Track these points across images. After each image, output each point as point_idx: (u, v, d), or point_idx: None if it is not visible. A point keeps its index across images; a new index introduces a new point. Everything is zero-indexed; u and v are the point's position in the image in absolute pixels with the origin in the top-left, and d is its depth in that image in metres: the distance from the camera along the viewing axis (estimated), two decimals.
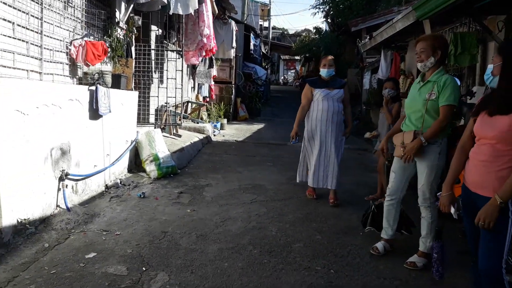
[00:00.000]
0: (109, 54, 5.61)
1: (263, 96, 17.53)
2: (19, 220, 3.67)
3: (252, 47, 16.71)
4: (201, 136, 9.07)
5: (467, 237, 2.47)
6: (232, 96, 13.55)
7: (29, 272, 3.16)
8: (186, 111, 10.62)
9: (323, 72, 5.05)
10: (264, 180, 6.23)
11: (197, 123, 9.94)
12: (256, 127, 12.63)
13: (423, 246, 3.48)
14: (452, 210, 2.48)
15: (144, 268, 3.27)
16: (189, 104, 10.86)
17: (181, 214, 4.59)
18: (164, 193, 5.38)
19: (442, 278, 3.00)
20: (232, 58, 12.70)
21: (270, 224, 4.35)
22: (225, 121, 11.59)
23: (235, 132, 11.35)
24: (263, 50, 23.28)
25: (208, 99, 12.43)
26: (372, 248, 3.65)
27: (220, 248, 3.70)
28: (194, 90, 11.47)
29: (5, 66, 3.70)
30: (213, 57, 10.73)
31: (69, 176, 4.39)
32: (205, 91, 12.07)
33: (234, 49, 11.50)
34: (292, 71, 47.33)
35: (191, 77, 10.80)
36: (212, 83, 12.09)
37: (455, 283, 3.18)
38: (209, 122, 10.71)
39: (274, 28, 44.81)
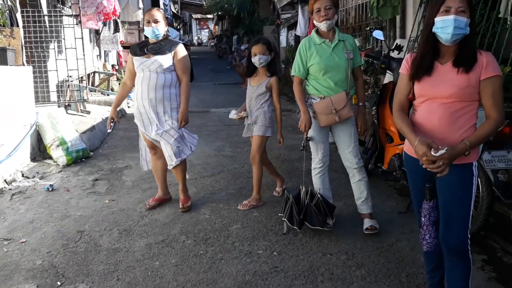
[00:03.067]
0: None
1: None
2: None
3: (161, 6, 15.58)
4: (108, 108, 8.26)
5: (413, 205, 2.30)
6: None
7: None
8: (93, 84, 9.59)
9: None
10: (191, 156, 5.74)
11: (107, 95, 9.04)
12: None
13: (369, 208, 3.37)
14: None
15: (59, 283, 2.77)
16: (96, 75, 9.82)
17: (99, 206, 4.04)
18: (77, 182, 4.73)
19: (431, 248, 2.17)
20: (140, 20, 11.65)
21: (202, 206, 3.98)
22: None
23: None
24: (173, 10, 21.98)
25: (117, 67, 11.39)
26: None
27: (148, 244, 3.26)
28: (100, 58, 10.36)
29: None
30: (118, 20, 9.69)
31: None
32: (113, 59, 11.01)
33: (141, 10, 10.50)
34: (205, 30, 45.96)
35: (95, 45, 9.71)
36: (120, 49, 11.04)
37: (401, 248, 3.09)
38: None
39: None
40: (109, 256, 3.08)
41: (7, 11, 4.98)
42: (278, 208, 3.84)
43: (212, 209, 3.91)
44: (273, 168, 4.28)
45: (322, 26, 3.13)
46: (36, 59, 5.80)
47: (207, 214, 3.81)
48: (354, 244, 3.18)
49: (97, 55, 10.04)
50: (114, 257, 3.07)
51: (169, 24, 16.13)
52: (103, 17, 6.91)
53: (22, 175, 4.83)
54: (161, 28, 3.60)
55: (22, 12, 5.48)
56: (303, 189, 3.29)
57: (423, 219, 2.10)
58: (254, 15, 18.97)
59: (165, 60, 3.58)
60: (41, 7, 5.76)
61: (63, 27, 6.10)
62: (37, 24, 5.66)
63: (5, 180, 4.60)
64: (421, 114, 2.10)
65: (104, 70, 10.38)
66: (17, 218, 3.79)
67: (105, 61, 10.71)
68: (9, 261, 3.05)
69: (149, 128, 3.71)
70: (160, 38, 3.63)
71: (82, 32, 6.07)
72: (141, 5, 10.16)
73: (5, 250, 3.21)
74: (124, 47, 11.76)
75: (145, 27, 3.64)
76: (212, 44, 32.26)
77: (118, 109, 3.99)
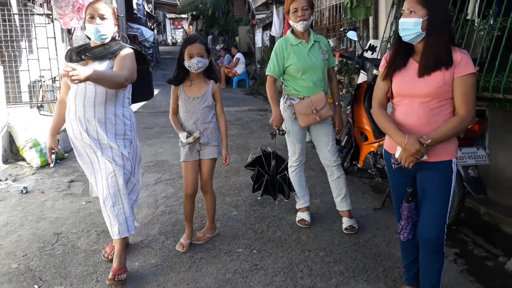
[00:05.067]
0: None
1: (152, 59, 16.47)
2: None
3: (135, 6, 15.39)
4: None
5: (393, 203, 2.37)
6: None
7: None
8: None
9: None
10: (167, 154, 5.75)
11: None
12: None
13: (348, 204, 3.43)
14: None
15: (36, 286, 2.73)
16: None
17: (75, 208, 3.98)
18: (52, 184, 4.64)
19: (408, 238, 2.25)
20: None
21: (180, 206, 3.96)
22: None
23: None
24: (146, 9, 21.72)
25: None
26: (300, 222, 3.48)
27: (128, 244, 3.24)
28: None
29: None
30: None
31: None
32: None
33: (115, 9, 10.34)
34: (180, 30, 45.55)
35: (68, 44, 9.50)
36: None
37: (377, 244, 3.18)
38: None
39: None
40: (88, 258, 3.05)
41: None
42: (257, 207, 3.90)
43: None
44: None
45: (299, 26, 3.18)
46: (6, 59, 5.64)
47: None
48: (332, 240, 3.24)
49: None
50: (92, 259, 3.04)
51: (143, 24, 15.84)
52: (83, 15, 6.70)
53: None
54: (108, 27, 2.65)
55: None
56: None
57: (402, 217, 2.19)
58: (229, 15, 18.94)
59: (106, 67, 2.64)
60: (10, 6, 5.61)
61: (35, 26, 5.96)
62: (7, 23, 5.51)
63: None
64: (400, 112, 2.16)
65: None
66: None
67: None
68: None
69: (88, 164, 2.72)
70: (106, 40, 2.69)
71: (54, 32, 5.94)
72: (114, 4, 10.00)
73: None
74: None
75: (86, 24, 2.65)
76: None
77: (57, 135, 2.93)
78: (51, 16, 6.35)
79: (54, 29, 6.00)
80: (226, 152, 3.14)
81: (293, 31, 3.29)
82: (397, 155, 2.10)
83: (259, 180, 3.55)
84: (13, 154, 5.45)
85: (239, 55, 13.32)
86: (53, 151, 2.91)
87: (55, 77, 6.51)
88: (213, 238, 3.31)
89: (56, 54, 5.98)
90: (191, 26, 34.76)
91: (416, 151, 2.00)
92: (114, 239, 2.75)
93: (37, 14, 6.40)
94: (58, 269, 2.91)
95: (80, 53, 2.68)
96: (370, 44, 4.75)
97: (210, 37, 21.61)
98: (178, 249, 3.11)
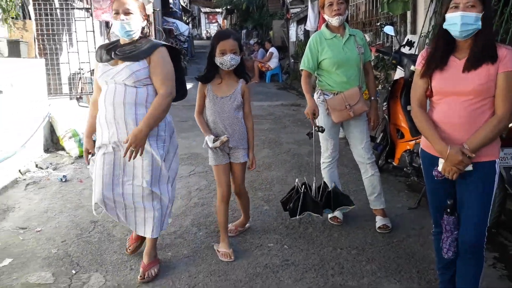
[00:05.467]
0: (0, 16, 4.68)
1: (187, 53, 16.67)
2: None
3: (171, 0, 15.58)
4: None
5: (429, 204, 2.30)
6: None
7: None
8: None
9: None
10: (200, 147, 5.75)
11: None
12: None
13: (382, 203, 3.37)
14: None
15: (74, 271, 2.82)
16: None
17: None
18: (90, 173, 4.77)
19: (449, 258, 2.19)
20: (150, 14, 11.68)
21: (213, 198, 4.01)
22: None
23: None
24: (182, 4, 21.98)
25: None
26: (332, 219, 3.44)
27: (161, 235, 3.27)
28: None
29: None
30: None
31: None
32: None
33: (152, 4, 10.52)
34: (214, 24, 45.83)
35: (106, 38, 9.76)
36: None
37: (411, 244, 3.11)
38: None
39: None
40: (122, 246, 3.13)
41: (20, 4, 5.03)
42: None
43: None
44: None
45: (334, 21, 3.13)
46: (48, 52, 5.86)
47: None
48: (365, 239, 3.20)
49: None
50: None
51: (178, 18, 15.98)
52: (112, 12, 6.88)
53: (36, 166, 4.91)
54: (134, 23, 2.49)
55: (34, 5, 5.54)
56: (314, 182, 3.23)
57: (444, 230, 2.13)
58: (263, 9, 18.89)
59: (137, 68, 2.49)
60: (52, 0, 5.82)
61: (75, 20, 6.15)
62: (49, 17, 5.72)
63: (19, 171, 4.68)
64: (439, 111, 2.07)
65: None
66: (32, 207, 3.86)
67: None
68: (25, 249, 3.11)
69: (118, 169, 2.59)
70: (134, 37, 2.54)
71: (93, 25, 6.11)
72: None
73: (21, 238, 3.28)
74: None
75: (112, 20, 2.53)
76: None
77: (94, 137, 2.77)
78: (90, 10, 6.53)
79: (93, 23, 6.16)
80: (253, 156, 3.00)
81: (327, 26, 3.24)
82: (440, 168, 2.03)
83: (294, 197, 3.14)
84: (54, 144, 5.66)
85: (272, 49, 13.29)
86: (91, 154, 2.79)
87: (93, 70, 6.72)
88: (245, 231, 3.33)
89: (95, 47, 6.15)
90: (225, 21, 34.94)
91: (459, 162, 1.93)
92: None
93: (77, 8, 6.59)
94: (94, 256, 3.00)
95: (110, 51, 2.56)
96: (408, 39, 4.63)
97: (244, 31, 21.67)
98: (223, 259, 2.90)
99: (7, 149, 4.44)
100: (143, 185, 2.60)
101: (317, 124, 3.26)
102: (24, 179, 4.58)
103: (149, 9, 10.57)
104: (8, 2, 4.62)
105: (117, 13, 2.49)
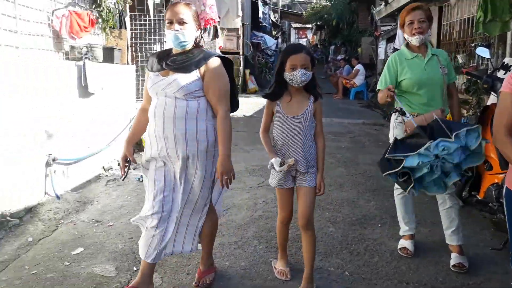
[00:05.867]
0: (100, 25, 5.12)
1: (273, 67, 16.90)
2: (0, 212, 3.32)
3: (261, 15, 15.95)
4: None
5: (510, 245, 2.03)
6: (240, 67, 12.98)
7: (7, 272, 2.84)
8: None
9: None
10: None
11: None
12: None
13: (459, 239, 3.06)
14: None
15: (135, 268, 2.92)
16: None
17: None
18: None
19: None
20: (239, 27, 12.06)
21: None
22: None
23: (243, 106, 10.86)
24: (272, 19, 22.40)
25: None
26: (401, 250, 3.21)
27: (222, 243, 3.32)
28: None
29: None
30: (217, 26, 10.13)
31: (57, 161, 4.01)
32: None
33: (240, 18, 10.85)
34: (304, 39, 46.16)
35: None
36: (218, 53, 11.49)
37: None
38: None
39: None
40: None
41: (118, 15, 5.47)
42: (357, 226, 3.70)
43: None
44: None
45: (414, 40, 2.96)
46: (139, 59, 6.27)
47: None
48: (436, 276, 2.92)
49: None
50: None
51: (268, 32, 16.20)
52: (203, 23, 7.26)
53: (118, 164, 5.23)
54: (188, 33, 2.39)
55: (130, 15, 5.99)
56: None
57: None
58: (353, 26, 18.61)
59: (189, 80, 2.36)
60: (148, 12, 6.24)
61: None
62: (143, 27, 6.13)
63: (103, 167, 5.02)
64: None
65: None
66: (108, 202, 4.10)
67: None
68: (96, 241, 3.30)
69: (161, 180, 2.50)
70: (188, 47, 2.43)
71: None
72: (240, 13, 10.50)
73: (94, 230, 3.49)
74: (222, 53, 12.26)
75: (166, 30, 2.45)
76: None
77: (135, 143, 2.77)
78: None
79: None
80: (321, 179, 2.64)
81: (408, 45, 3.07)
82: None
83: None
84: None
85: (358, 66, 12.98)
86: (128, 162, 2.68)
87: None
88: None
89: None
90: (315, 36, 35.04)
91: None
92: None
93: None
94: None
95: (161, 61, 2.45)
96: (504, 62, 4.21)
97: (332, 47, 21.51)
98: (279, 277, 2.82)
99: (94, 147, 4.79)
100: (192, 199, 2.52)
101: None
102: (106, 175, 4.91)
103: (238, 23, 10.92)
104: (108, 13, 5.05)
105: (170, 22, 2.39)
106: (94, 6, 5.02)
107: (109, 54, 4.87)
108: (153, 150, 2.49)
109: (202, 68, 2.39)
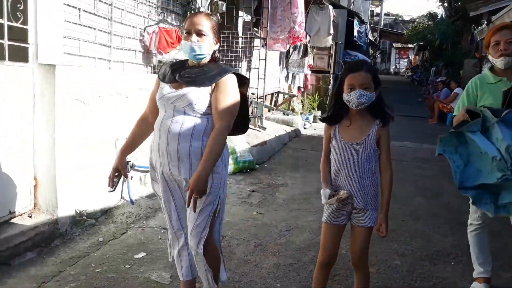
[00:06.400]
0: None
1: None
2: (78, 211, 3.63)
3: (356, 34, 15.68)
4: (289, 129, 8.64)
5: None
6: (330, 86, 12.85)
7: (75, 268, 3.07)
8: (276, 103, 10.26)
9: None
10: None
11: (287, 114, 9.53)
12: None
13: None
14: None
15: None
16: (280, 95, 10.48)
17: (246, 216, 4.24)
18: (236, 190, 5.08)
19: None
20: (330, 45, 11.97)
21: (342, 239, 3.77)
22: (318, 113, 10.98)
23: None
24: (370, 37, 21.90)
25: (302, 90, 11.92)
26: (478, 280, 2.89)
27: (277, 264, 3.25)
28: (287, 80, 11.03)
29: (69, 54, 3.66)
30: (308, 45, 10.17)
31: (135, 168, 4.27)
32: (299, 81, 11.56)
33: (331, 37, 10.77)
34: (404, 60, 44.44)
35: (283, 67, 10.40)
36: (308, 72, 11.52)
37: None
38: (301, 114, 10.23)
39: (387, 14, 42.26)
40: (239, 266, 3.18)
41: None
42: (426, 262, 3.39)
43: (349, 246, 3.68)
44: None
45: (499, 62, 2.64)
46: None
47: (344, 249, 3.59)
48: None
49: (284, 77, 10.71)
50: (242, 268, 3.16)
51: (364, 51, 15.83)
52: (291, 41, 7.35)
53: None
54: (205, 46, 2.24)
55: (220, 33, 6.24)
56: None
57: None
58: (458, 47, 17.43)
59: (200, 95, 2.21)
60: (236, 30, 6.48)
61: (253, 49, 6.72)
62: (230, 44, 6.38)
63: None
64: None
65: (288, 91, 10.99)
66: None
67: (291, 82, 11.35)
68: (158, 247, 3.45)
69: (170, 200, 2.41)
70: (204, 60, 2.29)
71: (266, 54, 6.57)
72: (331, 32, 10.44)
73: (159, 237, 3.65)
74: (312, 71, 12.27)
75: (182, 41, 2.28)
76: (409, 74, 31.01)
77: (131, 154, 2.55)
78: (264, 40, 7.04)
79: (266, 52, 6.61)
80: (385, 218, 2.26)
81: (492, 68, 2.76)
82: None
83: None
84: None
85: (458, 90, 12.05)
86: (118, 174, 2.51)
87: (261, 96, 7.18)
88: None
89: (264, 75, 6.58)
90: (417, 57, 33.48)
91: None
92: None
93: (256, 37, 7.18)
94: None
95: (175, 72, 2.30)
96: None
97: (433, 68, 20.35)
98: None
99: None
100: (193, 223, 2.27)
101: None
102: None
103: (329, 42, 10.85)
104: None
105: (188, 33, 2.23)
106: (183, 23, 5.33)
107: None
108: (157, 165, 2.35)
109: (215, 83, 2.23)
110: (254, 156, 6.20)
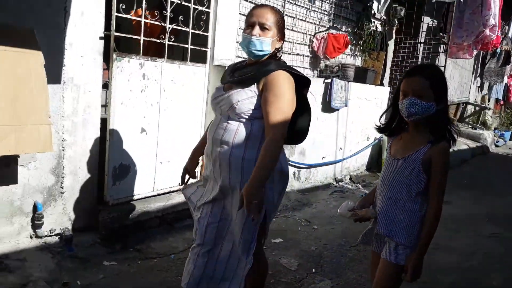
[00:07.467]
0: (352, 47, 5.49)
1: None
2: None
3: None
4: (473, 144, 7.78)
5: None
6: None
7: None
8: (462, 114, 9.29)
9: None
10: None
11: (475, 129, 8.56)
12: None
13: None
14: None
15: (314, 270, 3.14)
16: (469, 106, 9.44)
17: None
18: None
19: None
20: None
21: (494, 271, 3.34)
22: None
23: None
24: None
25: (502, 102, 10.46)
26: None
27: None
28: (480, 90, 9.84)
29: (241, 57, 4.18)
30: (510, 51, 8.86)
31: (289, 162, 4.63)
32: (497, 92, 10.17)
33: None
34: None
35: (477, 75, 9.33)
36: (510, 83, 10.04)
37: None
38: (495, 129, 9.05)
39: None
40: (363, 268, 3.17)
41: (378, 37, 5.71)
42: None
43: (506, 279, 3.23)
44: None
45: None
46: (397, 81, 6.29)
47: (495, 282, 3.18)
48: None
49: (477, 86, 9.61)
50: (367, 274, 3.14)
51: None
52: (479, 46, 6.53)
53: (350, 179, 5.50)
54: (267, 41, 1.96)
55: (396, 38, 6.10)
56: None
57: None
58: None
59: (243, 96, 1.94)
60: (417, 35, 6.19)
61: (437, 55, 6.31)
62: (407, 50, 6.14)
63: (335, 178, 5.40)
64: None
65: (481, 103, 9.81)
66: (323, 209, 4.44)
67: (486, 93, 10.09)
68: (295, 237, 3.69)
69: (202, 204, 2.14)
70: (263, 57, 2.00)
71: (446, 61, 6.08)
72: None
73: (299, 228, 3.89)
74: None
75: (242, 34, 2.02)
76: None
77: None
78: (446, 46, 6.51)
79: (446, 59, 6.14)
80: (415, 260, 1.76)
81: None
82: None
83: None
84: (378, 165, 6.11)
85: None
86: (188, 176, 2.35)
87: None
88: None
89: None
90: None
91: None
92: None
93: (442, 43, 6.71)
94: (337, 267, 3.20)
95: (233, 72, 2.09)
96: None
97: None
98: None
99: (328, 158, 5.22)
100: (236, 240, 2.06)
101: None
102: (335, 186, 5.26)
103: None
104: (368, 36, 5.37)
105: (250, 25, 1.98)
106: (356, 29, 5.44)
107: (361, 74, 5.19)
108: (208, 169, 2.13)
109: (262, 82, 1.93)
110: None
